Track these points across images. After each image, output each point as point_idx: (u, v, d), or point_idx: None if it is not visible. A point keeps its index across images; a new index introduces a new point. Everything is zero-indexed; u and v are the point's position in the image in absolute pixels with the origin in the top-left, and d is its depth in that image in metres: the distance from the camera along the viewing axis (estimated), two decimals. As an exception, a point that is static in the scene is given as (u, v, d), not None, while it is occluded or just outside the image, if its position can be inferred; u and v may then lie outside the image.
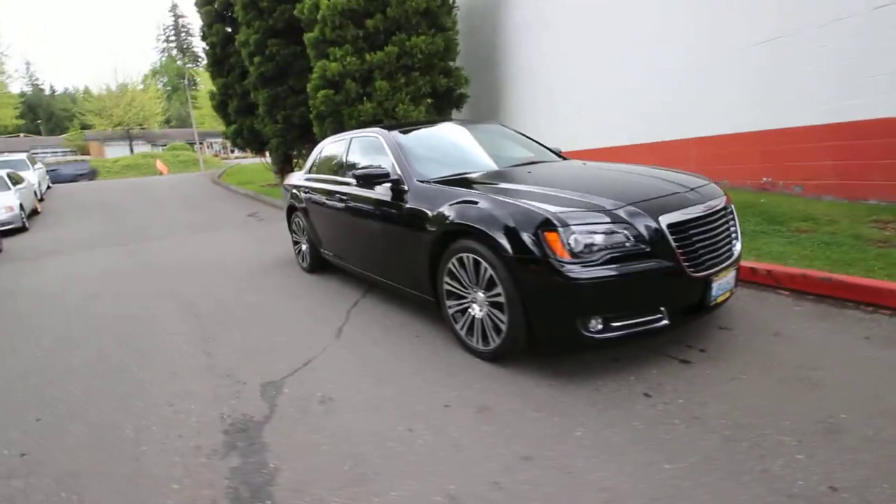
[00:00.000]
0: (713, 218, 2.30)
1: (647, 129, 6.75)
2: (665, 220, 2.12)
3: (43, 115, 53.79)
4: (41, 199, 14.10)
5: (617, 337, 2.09)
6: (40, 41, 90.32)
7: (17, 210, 9.72)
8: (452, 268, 2.56)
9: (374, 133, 3.60)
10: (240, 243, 7.23)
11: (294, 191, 4.83)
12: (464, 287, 2.55)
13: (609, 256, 2.04)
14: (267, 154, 16.74)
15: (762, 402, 1.91)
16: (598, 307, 2.05)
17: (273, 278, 4.79)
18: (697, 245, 2.18)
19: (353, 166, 3.77)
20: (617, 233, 2.06)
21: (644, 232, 2.08)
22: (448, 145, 3.56)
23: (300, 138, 13.91)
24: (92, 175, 28.35)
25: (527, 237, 2.11)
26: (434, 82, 10.25)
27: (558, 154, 3.79)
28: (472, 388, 2.25)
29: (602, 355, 2.40)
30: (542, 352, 2.37)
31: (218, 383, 2.55)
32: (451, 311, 2.67)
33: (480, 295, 2.46)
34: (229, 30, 15.03)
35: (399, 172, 3.07)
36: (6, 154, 16.91)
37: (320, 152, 4.59)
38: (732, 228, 2.44)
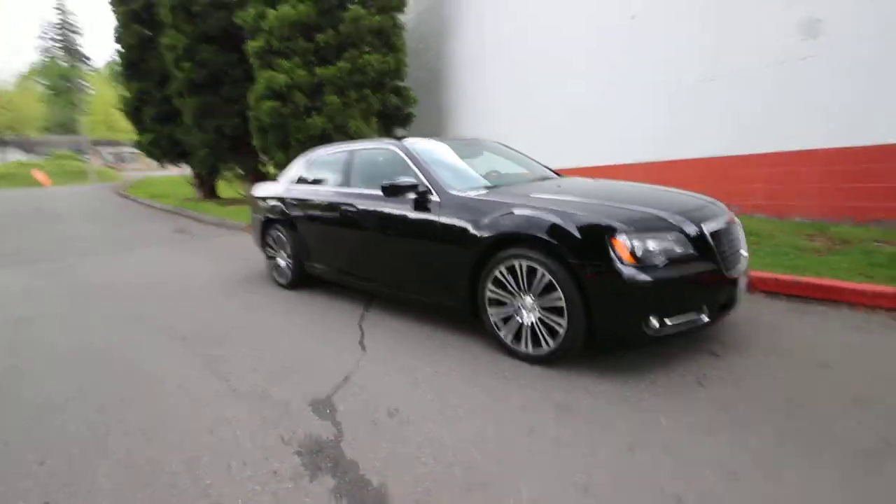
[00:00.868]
0: (732, 227, 2.63)
1: (589, 156, 7.39)
2: (706, 227, 2.39)
3: None
4: None
5: (671, 334, 2.29)
6: None
7: None
8: (500, 276, 2.62)
9: (388, 145, 3.57)
10: (184, 260, 6.59)
11: (274, 203, 4.57)
12: (510, 294, 2.61)
13: (668, 260, 2.25)
14: (187, 166, 15.45)
15: (797, 383, 2.20)
16: (659, 307, 2.23)
17: (252, 295, 4.45)
18: (726, 250, 2.48)
19: (363, 177, 3.69)
20: (673, 239, 2.28)
21: (693, 238, 2.33)
22: (459, 159, 3.63)
23: (231, 150, 13.08)
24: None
25: (595, 244, 2.25)
26: (385, 100, 10.31)
27: (555, 172, 4.04)
28: (537, 389, 2.30)
29: (641, 353, 2.59)
30: (598, 350, 2.51)
31: (255, 406, 2.32)
32: (493, 319, 2.72)
33: (528, 300, 2.54)
34: (148, 32, 13.82)
35: (427, 184, 3.08)
36: None
37: (310, 163, 4.40)
38: (741, 237, 2.80)
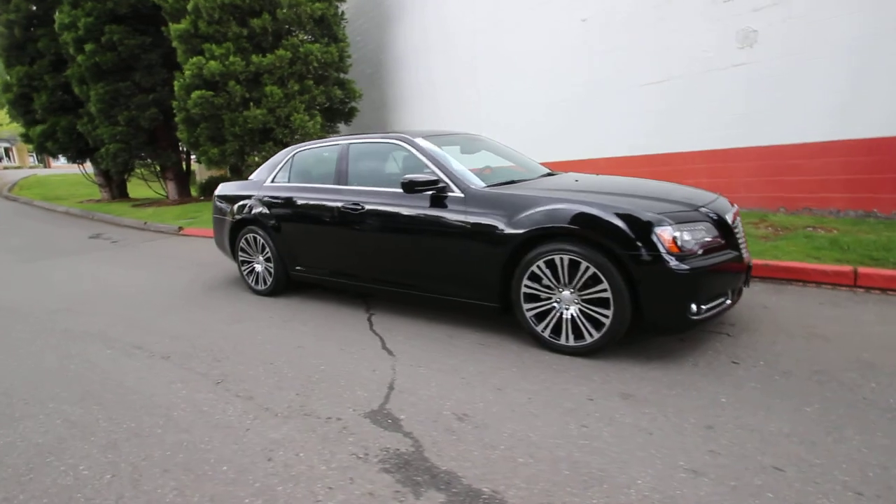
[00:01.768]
0: (738, 218, 2.88)
1: (537, 155, 7.68)
2: (727, 217, 2.60)
3: None
4: None
5: (706, 317, 2.46)
6: None
7: None
8: (537, 270, 2.64)
9: (394, 140, 3.41)
10: (117, 271, 5.89)
11: (249, 203, 4.19)
12: (548, 288, 2.64)
13: (704, 249, 2.41)
14: (89, 164, 13.64)
15: (812, 355, 2.47)
16: (699, 293, 2.39)
17: (229, 304, 4.07)
18: (740, 238, 2.71)
19: (364, 174, 3.50)
20: (705, 229, 2.45)
21: (719, 228, 2.52)
22: (466, 154, 3.58)
23: (148, 144, 11.74)
24: None
25: (642, 236, 2.34)
26: (329, 93, 9.85)
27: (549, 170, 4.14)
28: (593, 380, 2.36)
29: (665, 339, 2.76)
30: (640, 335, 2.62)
31: (303, 425, 2.12)
32: (529, 314, 2.73)
33: (567, 294, 2.59)
34: (35, 8, 11.90)
35: (448, 179, 3.00)
36: None
37: (293, 159, 4.08)
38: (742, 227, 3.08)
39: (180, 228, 8.94)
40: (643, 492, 1.60)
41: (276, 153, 10.43)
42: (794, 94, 5.06)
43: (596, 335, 2.52)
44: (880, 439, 1.79)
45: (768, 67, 5.20)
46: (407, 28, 10.65)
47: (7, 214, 12.39)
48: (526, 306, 2.73)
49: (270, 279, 4.16)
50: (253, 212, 4.15)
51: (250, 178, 4.50)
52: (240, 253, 4.38)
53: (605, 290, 2.44)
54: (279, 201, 3.95)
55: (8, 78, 12.49)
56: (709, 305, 2.46)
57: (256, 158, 9.57)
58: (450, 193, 2.98)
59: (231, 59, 8.61)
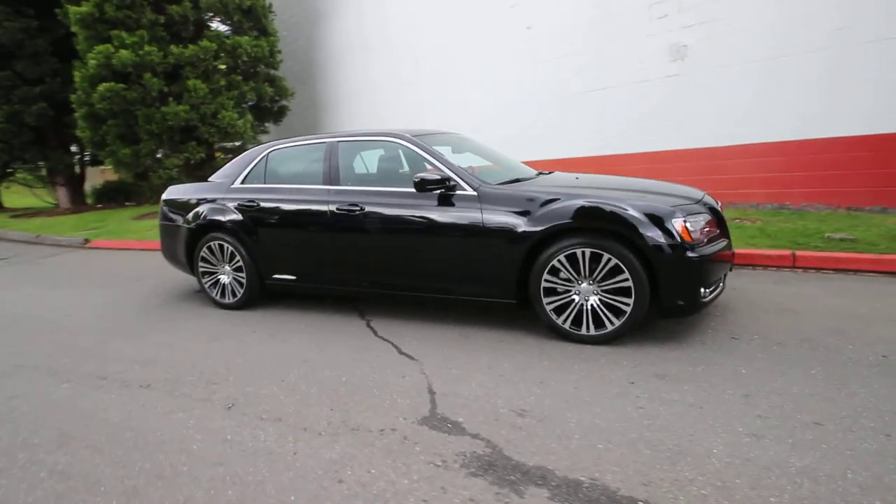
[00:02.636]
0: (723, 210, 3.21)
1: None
2: (718, 209, 2.88)
3: None
4: None
5: (710, 300, 2.71)
6: None
7: None
8: (557, 264, 2.71)
9: (392, 138, 3.28)
10: (22, 292, 5.09)
11: (212, 207, 3.79)
12: (568, 281, 2.73)
13: (709, 238, 2.65)
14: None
15: (793, 327, 2.81)
16: (707, 278, 2.62)
17: (198, 321, 3.69)
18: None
19: (358, 173, 3.34)
20: (706, 220, 2.69)
21: (716, 218, 2.79)
22: (456, 154, 3.56)
23: (34, 144, 10.07)
24: None
25: (661, 227, 2.51)
26: (259, 90, 9.23)
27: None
28: (625, 365, 2.48)
29: (664, 324, 2.99)
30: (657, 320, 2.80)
31: (357, 440, 1.98)
32: (549, 308, 2.80)
33: (586, 286, 2.71)
34: None
35: (457, 178, 2.97)
36: None
37: (264, 159, 3.75)
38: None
39: (86, 240, 7.80)
40: (724, 459, 1.72)
41: (200, 154, 9.58)
42: (720, 101, 5.75)
43: (617, 323, 2.66)
44: (879, 389, 2.11)
45: (697, 78, 5.86)
46: (342, 24, 10.31)
47: None
48: (546, 300, 2.80)
49: (241, 290, 3.79)
50: (218, 217, 3.75)
51: (210, 179, 4.07)
52: (200, 263, 3.93)
53: (626, 280, 2.59)
54: (253, 204, 3.61)
55: None
56: (711, 289, 2.71)
57: (177, 161, 8.65)
58: (461, 192, 2.95)
59: (146, 48, 7.69)
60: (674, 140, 6.21)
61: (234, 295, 3.86)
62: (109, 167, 14.50)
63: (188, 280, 5.00)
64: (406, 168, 3.37)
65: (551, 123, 7.29)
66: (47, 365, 3.04)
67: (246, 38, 8.60)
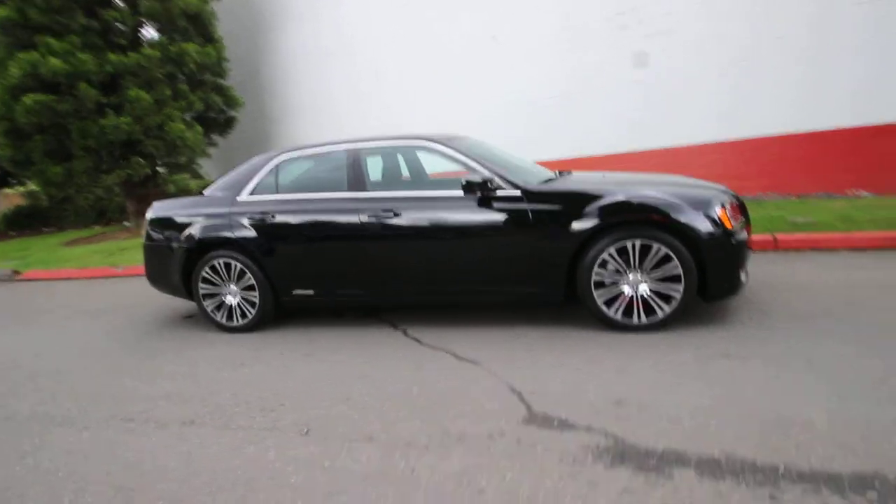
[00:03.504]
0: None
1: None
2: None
3: None
4: None
5: (745, 283, 2.91)
6: None
7: None
8: (608, 257, 2.79)
9: (422, 142, 3.21)
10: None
11: (215, 222, 3.49)
12: (617, 273, 2.82)
13: (742, 224, 2.86)
14: None
15: (809, 300, 3.09)
16: (745, 261, 2.83)
17: (203, 349, 3.38)
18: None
19: (386, 179, 3.22)
20: (737, 207, 2.90)
21: (740, 206, 3.01)
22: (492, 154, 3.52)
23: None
24: None
25: (709, 215, 2.68)
26: (207, 100, 8.64)
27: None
28: (687, 348, 2.58)
29: (696, 307, 3.17)
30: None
31: (472, 447, 1.90)
32: (600, 300, 2.87)
33: (636, 276, 2.81)
34: None
35: (500, 179, 2.96)
36: None
37: (275, 168, 3.50)
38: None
39: (16, 272, 6.81)
40: (842, 419, 1.83)
41: (144, 170, 8.64)
42: (681, 105, 6.26)
43: (667, 309, 2.78)
44: (910, 349, 2.39)
45: (659, 83, 6.33)
46: (294, 34, 9.95)
47: None
48: (596, 293, 2.87)
49: (254, 310, 3.50)
50: (224, 233, 3.45)
51: (205, 192, 3.73)
52: (201, 285, 3.58)
53: (675, 268, 2.72)
54: (269, 216, 3.36)
55: None
56: (745, 271, 2.93)
57: (117, 178, 7.84)
58: (505, 192, 2.95)
59: (80, 56, 6.91)
60: (638, 141, 6.65)
61: (243, 316, 3.55)
62: (19, 190, 12.84)
63: (169, 306, 4.54)
64: (438, 171, 3.32)
65: (519, 131, 7.51)
66: (46, 413, 2.61)
67: (193, 45, 8.02)
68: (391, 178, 3.32)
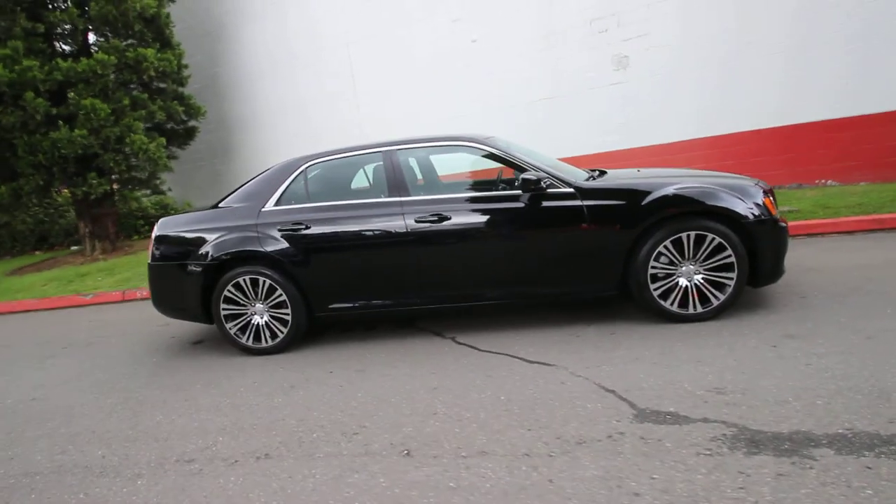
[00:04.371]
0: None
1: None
2: (768, 188, 3.30)
3: None
4: None
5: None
6: None
7: None
8: (664, 250, 2.85)
9: (464, 142, 3.13)
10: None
11: (240, 236, 3.23)
12: (672, 265, 2.88)
13: (779, 212, 3.02)
14: None
15: (832, 281, 3.29)
16: (786, 246, 2.97)
17: (235, 376, 3.12)
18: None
19: (428, 182, 3.10)
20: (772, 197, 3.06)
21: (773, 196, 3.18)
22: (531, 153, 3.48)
23: None
24: None
25: (757, 203, 2.79)
26: (169, 109, 8.05)
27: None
28: (748, 334, 2.67)
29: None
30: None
31: (597, 451, 1.84)
32: (657, 293, 2.91)
33: (689, 267, 2.88)
34: None
35: (552, 177, 2.94)
36: None
37: (302, 174, 3.29)
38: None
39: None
40: None
41: (103, 187, 7.76)
42: (661, 105, 6.57)
43: (722, 297, 2.87)
44: (951, 318, 2.61)
45: (639, 85, 6.62)
46: (256, 38, 9.52)
47: None
48: (652, 286, 2.91)
49: (285, 329, 3.26)
50: (252, 247, 3.19)
51: (221, 205, 3.44)
52: (223, 306, 3.28)
53: (729, 256, 2.81)
54: (301, 227, 3.14)
55: None
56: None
57: (70, 197, 7.10)
58: (558, 189, 2.94)
59: (25, 62, 6.19)
60: (619, 141, 6.91)
61: (273, 337, 3.29)
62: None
63: (164, 333, 4.17)
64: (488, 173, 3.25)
65: (500, 133, 7.56)
66: (75, 463, 2.27)
67: (151, 50, 7.45)
68: (430, 181, 3.21)
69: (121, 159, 7.16)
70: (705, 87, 6.32)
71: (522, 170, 2.99)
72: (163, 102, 7.91)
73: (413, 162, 3.25)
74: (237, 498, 1.88)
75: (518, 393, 2.39)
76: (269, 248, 3.17)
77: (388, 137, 3.35)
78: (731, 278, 2.84)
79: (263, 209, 3.27)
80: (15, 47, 6.27)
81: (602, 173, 3.48)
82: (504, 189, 3.11)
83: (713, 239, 2.81)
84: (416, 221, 3.02)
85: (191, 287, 3.32)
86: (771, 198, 2.91)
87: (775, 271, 2.93)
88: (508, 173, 3.23)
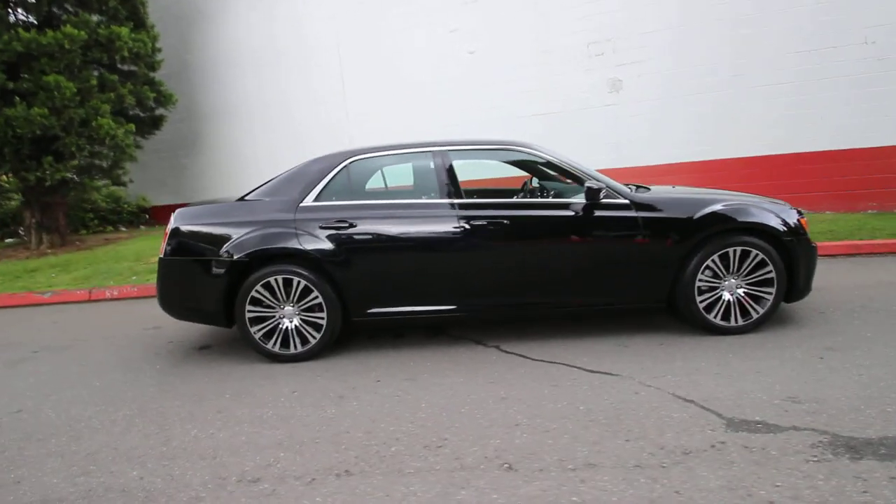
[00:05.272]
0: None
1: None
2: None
3: None
4: None
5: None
6: None
7: None
8: (712, 264, 2.95)
9: (516, 147, 3.08)
10: None
11: (274, 231, 2.99)
12: (717, 279, 2.98)
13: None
14: None
15: (843, 299, 3.55)
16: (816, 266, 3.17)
17: (267, 384, 2.86)
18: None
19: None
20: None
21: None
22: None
23: None
24: None
25: (794, 222, 2.97)
26: (140, 94, 7.42)
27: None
28: (789, 346, 2.81)
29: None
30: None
31: (706, 461, 1.84)
32: (703, 305, 2.99)
33: (731, 281, 3.00)
34: None
35: (608, 187, 2.97)
36: None
37: (344, 170, 3.11)
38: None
39: None
40: None
41: (60, 174, 6.87)
42: (651, 129, 6.90)
43: (761, 311, 3.01)
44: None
45: (631, 108, 6.93)
46: (235, 24, 9.03)
47: None
48: (699, 299, 3.00)
49: (318, 334, 3.03)
50: (289, 244, 2.95)
51: (248, 198, 3.17)
52: (249, 307, 3.00)
53: (770, 272, 2.96)
54: (345, 225, 2.95)
55: None
56: (811, 275, 3.29)
57: (20, 183, 6.31)
58: (613, 200, 2.97)
59: (-21, 28, 5.47)
60: (611, 160, 7.17)
61: (305, 342, 3.05)
62: None
63: (158, 335, 3.78)
64: (536, 182, 3.22)
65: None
66: (108, 486, 1.95)
67: (125, 28, 6.86)
68: (480, 185, 3.14)
69: (84, 143, 6.48)
70: (694, 114, 6.73)
71: (581, 179, 3.01)
72: (133, 86, 7.28)
73: (463, 164, 3.16)
74: (334, 520, 1.68)
75: (596, 403, 2.35)
76: (309, 246, 2.95)
77: (439, 137, 3.25)
78: (771, 293, 2.99)
79: (302, 203, 3.04)
80: (-33, 10, 5.55)
81: (643, 188, 3.58)
82: (533, 196, 3.10)
83: (756, 255, 2.95)
84: (471, 225, 2.93)
85: (211, 286, 3.02)
86: (805, 218, 3.11)
87: (806, 288, 3.12)
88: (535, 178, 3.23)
